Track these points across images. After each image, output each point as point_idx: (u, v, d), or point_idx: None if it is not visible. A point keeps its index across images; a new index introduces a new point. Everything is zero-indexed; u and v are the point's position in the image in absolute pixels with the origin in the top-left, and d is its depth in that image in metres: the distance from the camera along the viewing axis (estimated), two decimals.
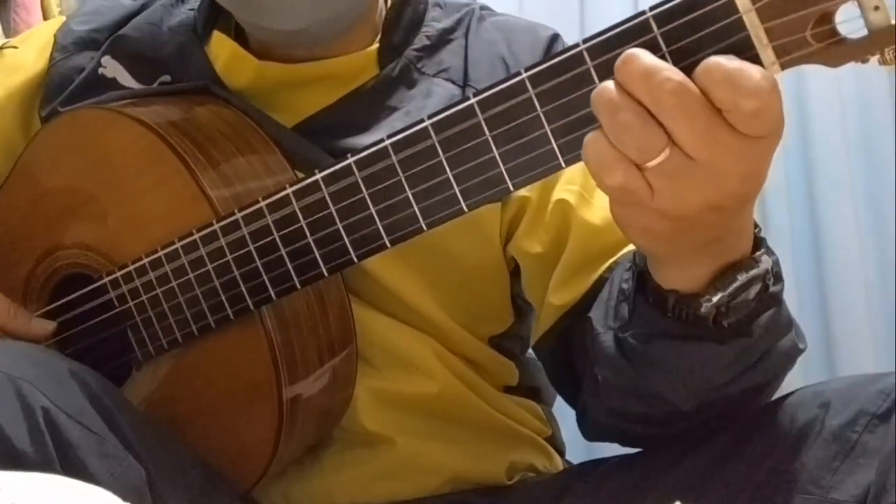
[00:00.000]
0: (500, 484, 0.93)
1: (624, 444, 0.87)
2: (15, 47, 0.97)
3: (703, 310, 0.67)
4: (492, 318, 0.94)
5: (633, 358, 0.75)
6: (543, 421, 0.99)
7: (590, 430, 0.88)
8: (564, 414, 1.03)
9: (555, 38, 0.94)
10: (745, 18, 0.55)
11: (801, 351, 0.76)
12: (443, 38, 0.92)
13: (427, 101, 0.88)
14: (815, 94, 1.53)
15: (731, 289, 0.66)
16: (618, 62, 0.56)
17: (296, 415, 0.80)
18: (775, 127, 0.57)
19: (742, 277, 0.66)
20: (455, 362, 0.90)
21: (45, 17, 1.52)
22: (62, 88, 0.93)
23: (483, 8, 0.97)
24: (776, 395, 0.79)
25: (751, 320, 0.69)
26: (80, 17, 0.97)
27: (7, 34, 1.45)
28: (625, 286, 0.75)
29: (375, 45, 0.90)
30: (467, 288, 0.89)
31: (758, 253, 0.67)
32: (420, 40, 0.91)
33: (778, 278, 0.70)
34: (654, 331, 0.71)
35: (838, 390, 0.74)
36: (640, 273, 0.72)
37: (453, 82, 0.90)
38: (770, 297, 0.70)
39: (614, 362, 0.77)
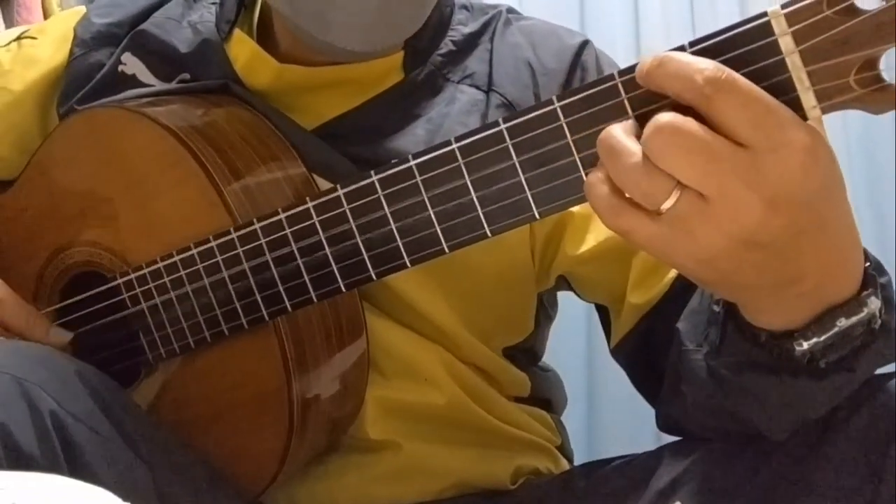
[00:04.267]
0: (504, 488, 0.92)
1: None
2: (34, 38, 0.96)
3: (796, 353, 0.62)
4: (510, 328, 0.93)
5: (724, 386, 0.69)
6: (553, 430, 0.99)
7: (668, 427, 0.84)
8: (566, 416, 1.03)
9: (584, 45, 0.91)
10: (787, 60, 0.53)
11: None
12: (469, 43, 0.91)
13: (450, 107, 0.87)
14: None
15: (828, 335, 0.61)
16: None
17: (306, 422, 0.80)
18: (779, 135, 0.52)
19: (842, 323, 0.60)
20: (465, 373, 0.89)
21: (46, 17, 1.50)
22: (81, 85, 0.92)
23: (510, 11, 0.95)
24: None
25: (854, 356, 0.63)
26: (99, 9, 0.96)
27: None
28: (716, 308, 0.69)
29: (400, 51, 0.88)
30: (485, 299, 0.88)
31: (864, 294, 0.61)
32: (446, 45, 0.90)
33: (889, 305, 0.63)
34: (746, 362, 0.66)
35: None
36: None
37: (478, 87, 0.88)
38: (881, 330, 0.63)
39: (704, 385, 0.71)
